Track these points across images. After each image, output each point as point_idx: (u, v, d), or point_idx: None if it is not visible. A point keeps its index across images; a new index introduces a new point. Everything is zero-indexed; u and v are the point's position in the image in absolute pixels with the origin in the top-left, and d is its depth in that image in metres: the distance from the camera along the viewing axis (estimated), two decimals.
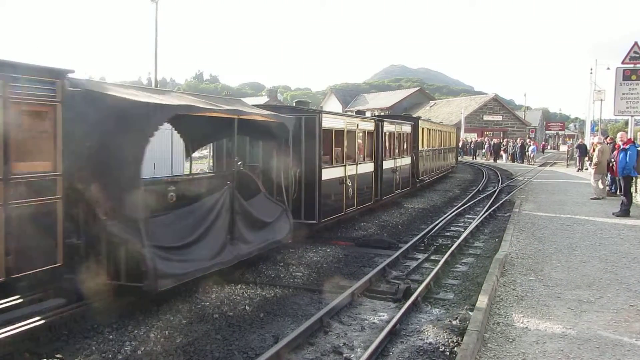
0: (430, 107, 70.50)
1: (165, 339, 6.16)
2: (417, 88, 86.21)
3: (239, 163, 10.06)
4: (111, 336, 6.16)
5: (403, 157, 18.49)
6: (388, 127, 16.74)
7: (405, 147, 18.99)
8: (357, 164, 13.77)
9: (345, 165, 12.99)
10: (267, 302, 7.67)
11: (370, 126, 15.37)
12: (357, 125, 14.23)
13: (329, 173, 12.07)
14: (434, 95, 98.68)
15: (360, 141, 14.46)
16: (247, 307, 7.37)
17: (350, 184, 13.13)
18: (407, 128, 19.38)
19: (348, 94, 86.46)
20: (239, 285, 8.27)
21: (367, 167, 14.80)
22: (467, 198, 19.99)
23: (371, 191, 15.18)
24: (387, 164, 16.45)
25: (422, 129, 21.95)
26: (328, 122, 12.11)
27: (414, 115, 27.59)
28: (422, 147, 21.79)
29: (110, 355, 5.70)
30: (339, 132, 12.84)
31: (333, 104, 77.98)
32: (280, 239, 9.42)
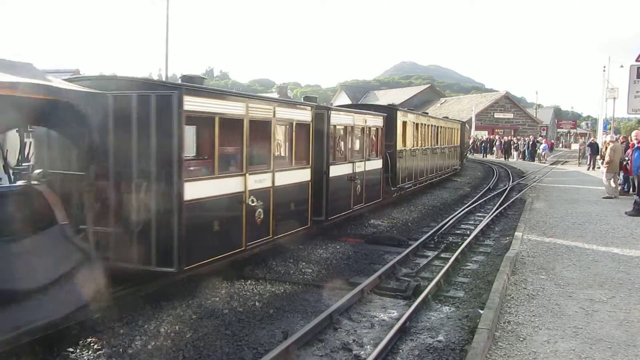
0: (441, 104, 70.23)
1: (175, 334, 6.19)
2: (428, 85, 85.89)
3: (25, 171, 6.93)
4: (122, 330, 6.19)
5: (369, 160, 13.93)
6: (338, 118, 12.09)
7: (371, 145, 14.46)
8: (273, 172, 9.19)
9: (245, 175, 8.35)
10: (277, 298, 7.67)
11: (303, 116, 10.50)
12: (274, 111, 9.30)
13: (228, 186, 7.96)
14: (445, 92, 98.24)
15: (282, 137, 10.16)
16: (257, 303, 7.38)
17: (257, 205, 8.50)
18: (375, 121, 14.63)
19: (358, 91, 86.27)
20: (249, 281, 8.28)
21: (295, 176, 10.03)
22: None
23: (307, 210, 10.60)
24: (337, 170, 11.85)
25: (403, 122, 17.23)
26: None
27: (422, 112, 22.78)
28: (403, 145, 17.12)
29: (121, 350, 5.73)
30: (256, 124, 8.70)
31: (343, 101, 77.86)
32: (51, 321, 5.19)
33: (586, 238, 11.34)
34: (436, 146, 22.46)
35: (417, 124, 19.01)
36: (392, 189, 15.91)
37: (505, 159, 45.76)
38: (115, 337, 6.02)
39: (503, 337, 5.96)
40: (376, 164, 14.60)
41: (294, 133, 9.97)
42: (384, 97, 76.19)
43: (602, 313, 6.76)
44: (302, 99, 12.54)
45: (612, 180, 18.25)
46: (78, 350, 5.67)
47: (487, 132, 59.25)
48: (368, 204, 13.85)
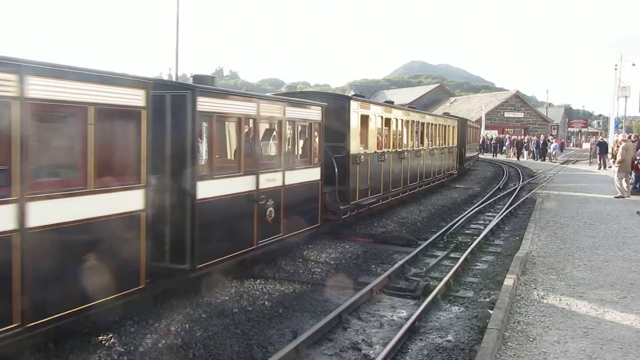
0: (451, 103, 70.00)
1: (185, 333, 6.23)
2: (437, 84, 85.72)
3: None
4: (132, 329, 6.24)
5: (295, 169, 9.68)
6: (218, 106, 7.71)
7: (302, 149, 10.33)
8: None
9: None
10: (286, 297, 7.70)
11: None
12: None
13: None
14: (455, 91, 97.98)
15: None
16: (266, 302, 7.41)
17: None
18: (307, 114, 10.23)
19: (367, 90, 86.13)
20: (258, 281, 8.32)
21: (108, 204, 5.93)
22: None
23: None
24: (220, 187, 7.68)
25: (362, 117, 12.76)
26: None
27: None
28: (362, 147, 12.72)
29: (132, 348, 5.78)
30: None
31: None
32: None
33: (597, 238, 11.26)
34: (421, 147, 18.21)
35: (387, 119, 14.62)
36: (344, 207, 11.58)
37: (517, 158, 45.41)
38: (127, 335, 6.07)
39: (513, 337, 5.95)
40: (309, 174, 10.22)
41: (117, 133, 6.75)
42: (394, 97, 75.99)
43: (613, 313, 6.72)
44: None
45: (624, 179, 18.11)
46: (90, 348, 5.73)
47: (497, 131, 58.95)
48: (293, 233, 9.56)
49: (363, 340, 6.26)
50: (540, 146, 45.08)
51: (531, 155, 45.75)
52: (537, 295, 7.44)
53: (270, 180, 8.78)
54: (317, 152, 10.62)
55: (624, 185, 18.11)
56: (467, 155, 28.57)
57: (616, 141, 24.75)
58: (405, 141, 16.40)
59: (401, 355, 5.89)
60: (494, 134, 57.23)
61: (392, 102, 17.26)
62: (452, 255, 10.47)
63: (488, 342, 5.46)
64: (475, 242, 11.00)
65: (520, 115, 63.02)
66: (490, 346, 5.35)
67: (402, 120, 15.98)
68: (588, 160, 39.70)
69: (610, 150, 31.55)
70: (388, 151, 14.52)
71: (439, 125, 21.16)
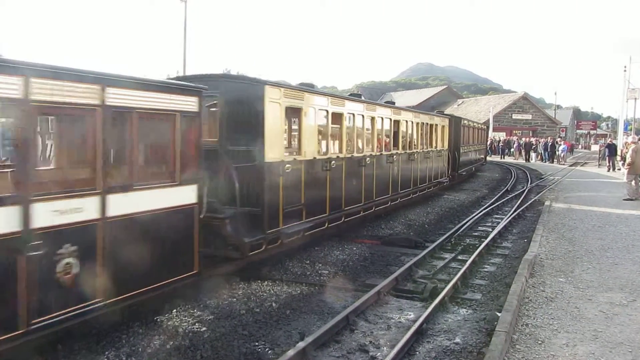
0: (458, 105, 69.84)
1: (193, 334, 6.25)
2: (445, 86, 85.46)
3: None
4: (140, 330, 6.27)
5: (133, 189, 6.05)
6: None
7: (154, 158, 7.14)
8: None
9: None
10: (294, 299, 7.70)
11: None
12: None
13: None
14: (462, 93, 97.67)
15: None
16: (274, 304, 7.41)
17: None
18: (160, 101, 6.47)
19: (375, 92, 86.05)
20: (266, 282, 8.32)
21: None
22: None
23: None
24: None
25: (292, 110, 9.51)
26: None
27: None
28: (286, 153, 9.23)
29: (140, 349, 5.80)
30: None
31: None
32: None
33: (606, 240, 11.18)
34: (395, 152, 14.65)
35: (336, 115, 11.14)
36: (252, 239, 8.21)
37: (526, 160, 45.14)
38: (134, 336, 6.10)
39: (521, 339, 5.92)
40: (170, 196, 6.61)
41: None
42: (401, 99, 75.97)
43: (622, 316, 6.67)
44: None
45: (634, 181, 17.98)
46: (98, 349, 5.75)
47: (504, 133, 58.73)
48: (128, 295, 6.05)
49: (370, 342, 6.25)
50: (549, 148, 44.85)
51: (539, 157, 45.51)
52: (546, 297, 7.39)
53: (66, 212, 5.29)
54: (191, 161, 6.94)
55: (634, 187, 17.98)
56: (462, 159, 24.01)
57: (625, 143, 24.63)
58: (367, 144, 12.87)
59: (409, 358, 5.88)
60: (502, 136, 57.03)
61: (359, 96, 14.18)
62: (459, 257, 10.43)
63: (496, 344, 5.43)
64: (483, 245, 10.95)
65: (529, 117, 62.77)
66: (498, 349, 5.32)
67: (362, 116, 12.54)
68: (597, 163, 39.44)
69: (619, 152, 31.35)
70: (338, 157, 11.11)
71: (422, 124, 17.50)
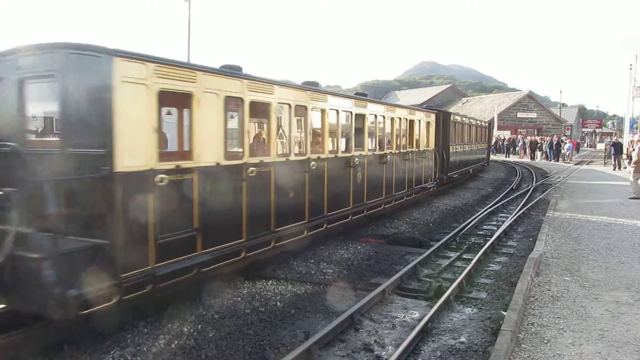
0: (463, 104, 69.72)
1: (198, 333, 6.25)
2: (449, 85, 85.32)
3: None
4: (145, 330, 6.28)
5: None
6: None
7: None
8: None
9: None
10: (298, 298, 7.70)
11: None
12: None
13: None
14: (467, 92, 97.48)
15: None
16: (279, 303, 7.41)
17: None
18: None
19: (379, 91, 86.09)
20: (270, 281, 8.32)
21: None
22: None
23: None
24: None
25: (181, 96, 6.93)
26: None
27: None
28: (162, 163, 6.39)
29: (145, 349, 5.81)
30: None
31: None
32: None
33: (612, 239, 11.12)
34: (359, 153, 11.90)
35: (264, 105, 8.50)
36: (76, 294, 5.30)
37: (531, 158, 44.93)
38: (139, 336, 6.11)
39: (527, 339, 5.89)
40: None
41: None
42: (405, 98, 75.94)
43: (629, 315, 6.63)
44: None
45: (639, 180, 17.89)
46: (103, 349, 5.77)
47: (509, 131, 58.56)
48: None
49: (375, 341, 6.24)
50: (554, 147, 44.67)
51: (544, 156, 45.33)
52: (552, 296, 7.36)
53: None
54: None
55: (639, 185, 17.89)
56: (453, 159, 20.97)
57: (631, 142, 24.50)
58: (314, 143, 10.33)
59: (414, 357, 5.86)
60: (506, 134, 56.87)
61: (316, 84, 11.02)
62: (464, 256, 10.40)
63: (502, 343, 5.41)
64: (488, 243, 10.91)
65: (533, 115, 62.57)
66: (504, 348, 5.30)
67: (304, 107, 9.72)
68: (602, 161, 39.26)
69: (625, 150, 31.21)
70: (262, 162, 8.27)
71: (399, 119, 14.64)
